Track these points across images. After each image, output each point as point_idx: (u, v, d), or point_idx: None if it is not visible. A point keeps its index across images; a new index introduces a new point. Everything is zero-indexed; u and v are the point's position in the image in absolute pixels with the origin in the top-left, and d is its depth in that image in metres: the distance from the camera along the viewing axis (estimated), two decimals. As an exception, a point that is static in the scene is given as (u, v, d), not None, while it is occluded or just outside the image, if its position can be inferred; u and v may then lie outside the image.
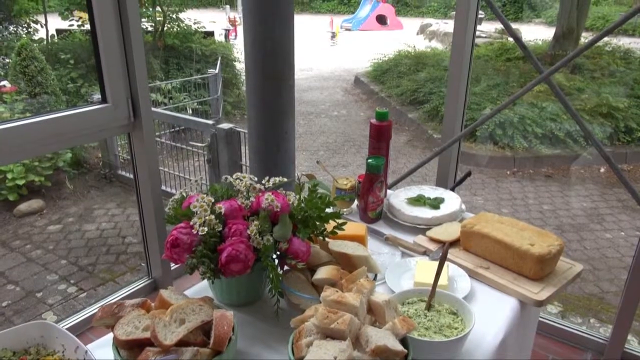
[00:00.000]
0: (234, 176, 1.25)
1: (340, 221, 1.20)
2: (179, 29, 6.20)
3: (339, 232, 1.21)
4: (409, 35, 12.65)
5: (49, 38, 6.06)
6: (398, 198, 1.71)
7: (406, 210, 1.62)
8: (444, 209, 1.64)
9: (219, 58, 6.24)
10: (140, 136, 2.30)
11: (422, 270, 1.30)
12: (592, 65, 6.35)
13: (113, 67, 2.14)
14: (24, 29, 6.11)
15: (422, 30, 14.33)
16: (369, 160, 1.58)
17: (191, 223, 1.09)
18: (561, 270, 1.35)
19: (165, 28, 6.12)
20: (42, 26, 6.18)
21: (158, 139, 4.36)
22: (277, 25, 2.49)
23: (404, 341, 0.94)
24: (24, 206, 3.78)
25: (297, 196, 1.17)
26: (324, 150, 5.61)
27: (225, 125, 3.21)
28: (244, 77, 7.23)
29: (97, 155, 4.68)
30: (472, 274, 1.33)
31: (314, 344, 0.90)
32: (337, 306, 0.93)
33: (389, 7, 17.58)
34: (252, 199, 1.19)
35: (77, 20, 5.88)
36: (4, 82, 4.59)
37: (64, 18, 6.37)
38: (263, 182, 1.25)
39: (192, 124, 3.71)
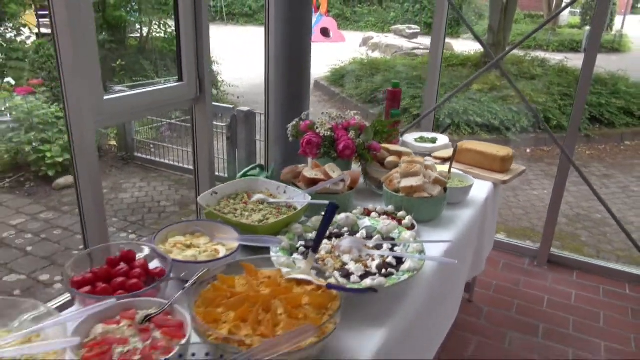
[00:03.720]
0: (327, 111, 2.09)
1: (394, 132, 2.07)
2: (166, 35, 6.83)
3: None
4: (352, 47, 13.39)
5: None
6: (408, 138, 2.60)
7: (416, 144, 2.51)
8: (439, 142, 2.54)
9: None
10: (203, 108, 3.03)
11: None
12: (517, 71, 7.70)
13: (189, 54, 2.86)
14: (12, 32, 6.49)
15: (365, 42, 15.43)
16: (392, 111, 2.46)
17: (317, 131, 1.92)
18: (514, 169, 2.29)
19: (152, 34, 6.73)
20: (30, 30, 6.62)
21: (183, 123, 5.02)
22: (301, 28, 3.32)
23: (443, 182, 1.81)
24: (62, 180, 4.30)
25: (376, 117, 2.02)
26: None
27: (244, 108, 3.97)
28: (219, 78, 7.96)
29: (108, 143, 5.23)
30: (465, 173, 2.23)
31: (401, 181, 1.75)
32: (411, 162, 1.79)
33: (332, 20, 18.43)
34: (341, 122, 2.03)
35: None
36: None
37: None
38: (346, 114, 2.09)
39: (214, 108, 4.41)
